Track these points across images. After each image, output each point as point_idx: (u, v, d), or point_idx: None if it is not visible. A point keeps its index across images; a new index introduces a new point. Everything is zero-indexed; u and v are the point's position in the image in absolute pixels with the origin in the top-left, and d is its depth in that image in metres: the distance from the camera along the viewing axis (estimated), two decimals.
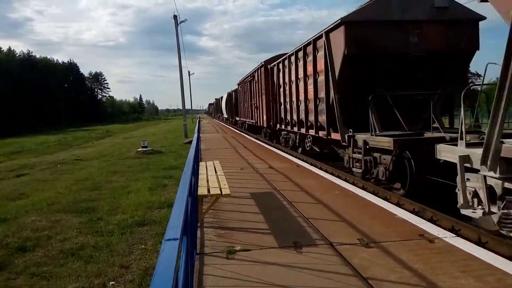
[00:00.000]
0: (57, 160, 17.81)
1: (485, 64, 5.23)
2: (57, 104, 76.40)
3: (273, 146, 15.66)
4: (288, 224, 4.93)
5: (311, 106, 11.04)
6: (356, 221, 4.87)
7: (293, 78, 12.88)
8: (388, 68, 8.86)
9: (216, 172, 6.71)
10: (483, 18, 8.99)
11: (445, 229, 4.83)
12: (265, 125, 18.59)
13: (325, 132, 10.13)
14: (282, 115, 15.13)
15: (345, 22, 8.65)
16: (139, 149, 18.02)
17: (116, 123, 79.86)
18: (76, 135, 41.97)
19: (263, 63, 18.01)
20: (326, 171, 9.56)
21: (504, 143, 4.50)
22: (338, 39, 8.89)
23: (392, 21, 8.60)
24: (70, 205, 8.14)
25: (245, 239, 4.39)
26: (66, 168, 14.89)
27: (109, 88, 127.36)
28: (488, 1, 4.72)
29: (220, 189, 5.30)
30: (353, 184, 7.90)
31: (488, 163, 4.54)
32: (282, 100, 14.99)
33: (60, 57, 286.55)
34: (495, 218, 4.55)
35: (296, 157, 12.20)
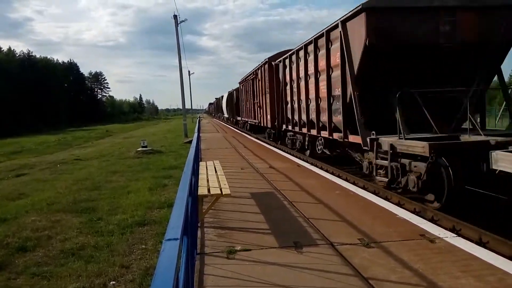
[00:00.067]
0: (57, 160, 17.81)
1: None
2: (57, 104, 76.47)
3: (276, 147, 15.05)
4: (288, 224, 4.92)
5: (324, 105, 9.93)
6: (356, 221, 4.86)
7: (302, 74, 11.67)
8: (415, 61, 7.85)
9: (216, 172, 6.70)
10: None
11: (446, 229, 4.83)
12: (269, 125, 17.45)
13: (341, 134, 8.87)
14: (289, 115, 13.90)
15: (366, 8, 7.47)
16: (139, 149, 18.03)
17: (116, 123, 79.89)
18: (76, 135, 41.97)
19: (267, 59, 16.88)
20: (326, 170, 9.55)
21: None
22: (358, 29, 7.77)
23: (419, 7, 7.53)
24: (70, 205, 8.14)
25: (245, 239, 4.39)
26: (66, 168, 14.89)
27: (109, 88, 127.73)
28: None
29: (221, 189, 5.29)
30: (353, 184, 7.90)
31: None
32: (289, 99, 13.71)
33: (60, 57, 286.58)
34: None
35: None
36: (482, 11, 7.73)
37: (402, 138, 6.86)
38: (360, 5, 7.62)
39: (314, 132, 11.08)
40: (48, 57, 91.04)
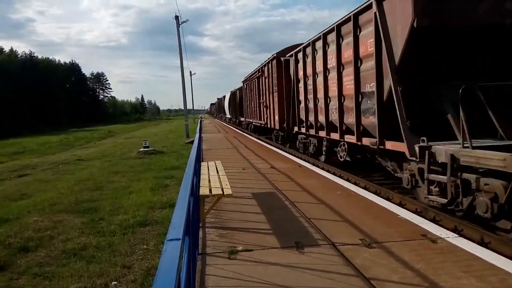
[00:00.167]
0: (59, 160, 17.85)
1: None
2: (57, 104, 76.64)
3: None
4: (290, 224, 4.92)
5: (349, 104, 8.36)
6: (358, 221, 4.86)
7: (319, 69, 10.14)
8: (473, 47, 6.45)
9: (218, 172, 6.71)
10: None
11: (447, 229, 4.82)
12: (276, 127, 15.84)
13: (374, 140, 7.24)
14: (302, 116, 12.16)
15: None
16: (141, 149, 18.06)
17: (117, 124, 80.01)
18: (78, 136, 42.04)
19: (275, 54, 15.29)
20: (328, 171, 9.55)
21: None
22: (401, 7, 6.41)
23: None
24: (72, 205, 8.16)
25: (247, 239, 4.39)
26: (68, 168, 14.91)
27: (110, 89, 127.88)
28: None
29: (222, 189, 5.29)
30: (355, 184, 7.89)
31: None
32: (302, 98, 12.00)
33: (62, 58, 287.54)
34: None
35: (298, 157, 12.18)
36: None
37: (467, 147, 5.18)
38: None
39: (335, 136, 9.34)
40: (50, 57, 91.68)
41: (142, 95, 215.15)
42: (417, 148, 5.84)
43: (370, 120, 7.54)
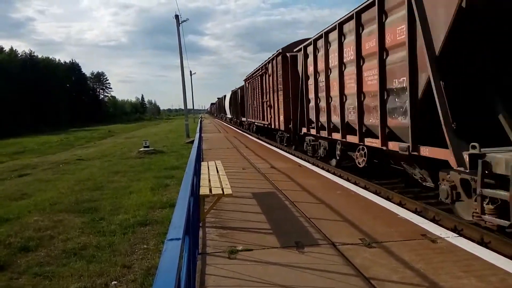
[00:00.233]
0: (59, 160, 17.86)
1: None
2: (57, 104, 76.70)
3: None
4: (290, 224, 4.92)
5: (371, 102, 7.33)
6: (358, 221, 4.87)
7: (332, 64, 9.12)
8: None
9: (218, 172, 6.72)
10: None
11: (447, 229, 4.82)
12: (282, 127, 14.80)
13: (405, 145, 6.13)
14: (312, 116, 11.11)
15: None
16: (141, 149, 18.08)
17: (118, 123, 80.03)
18: (78, 135, 42.05)
19: (280, 50, 14.30)
20: (328, 170, 9.55)
21: None
22: None
23: None
24: (72, 205, 8.17)
25: (247, 239, 4.39)
26: (68, 168, 14.92)
27: (111, 88, 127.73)
28: None
29: (222, 189, 5.30)
30: (355, 184, 7.89)
31: None
32: (311, 96, 10.96)
33: (62, 57, 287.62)
34: None
35: (298, 157, 12.17)
36: None
37: None
38: None
39: (352, 139, 8.29)
40: (50, 57, 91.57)
41: (142, 95, 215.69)
42: (466, 157, 4.74)
43: (399, 121, 6.42)
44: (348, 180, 8.53)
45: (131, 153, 18.22)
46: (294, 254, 3.93)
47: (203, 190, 5.11)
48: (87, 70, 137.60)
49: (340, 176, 8.82)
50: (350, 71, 8.15)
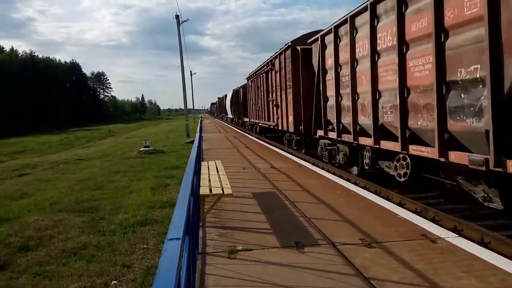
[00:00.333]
0: (59, 159, 17.87)
1: None
2: (57, 104, 76.75)
3: (300, 157, 11.74)
4: (290, 224, 4.92)
5: (420, 99, 5.90)
6: (358, 221, 4.86)
7: (361, 53, 7.69)
8: None
9: (218, 171, 6.72)
10: None
11: (447, 229, 4.82)
12: (290, 129, 13.39)
13: (480, 158, 4.69)
14: (330, 117, 9.68)
15: None
16: (141, 149, 18.09)
17: (118, 123, 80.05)
18: (78, 135, 42.06)
19: (289, 43, 12.82)
20: (328, 170, 9.54)
21: None
22: None
23: None
24: (72, 204, 8.17)
25: (247, 239, 4.39)
26: (69, 167, 14.93)
27: (111, 88, 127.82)
28: None
29: (222, 189, 5.30)
30: (355, 184, 7.89)
31: None
32: (330, 93, 9.52)
33: (63, 57, 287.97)
34: None
35: (298, 157, 12.17)
36: None
37: None
38: None
39: (390, 145, 6.80)
40: (51, 57, 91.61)
41: (142, 95, 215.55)
42: None
43: (467, 125, 4.97)
44: (348, 180, 8.52)
45: (131, 153, 18.23)
46: (294, 254, 3.92)
47: (203, 190, 5.11)
48: (87, 70, 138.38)
49: (340, 176, 8.81)
50: (387, 61, 6.71)
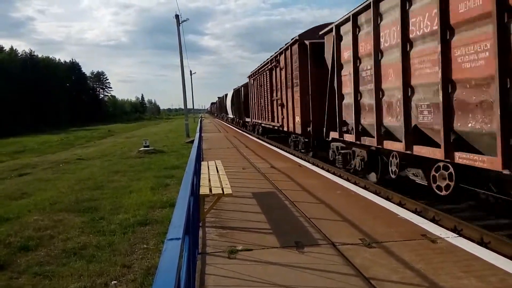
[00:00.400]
0: (59, 159, 17.86)
1: None
2: (57, 104, 76.74)
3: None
4: (290, 224, 4.92)
5: (469, 95, 4.95)
6: (358, 221, 4.86)
7: (388, 43, 6.75)
8: None
9: (218, 171, 6.72)
10: None
11: (447, 229, 4.82)
12: (297, 131, 12.47)
13: None
14: (346, 117, 8.81)
15: None
16: (141, 149, 18.09)
17: (118, 123, 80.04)
18: (78, 135, 42.06)
19: (297, 37, 11.80)
20: (328, 170, 9.54)
21: None
22: None
23: None
24: (72, 204, 8.17)
25: (247, 238, 4.39)
26: (68, 167, 14.92)
27: (111, 88, 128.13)
28: None
29: (222, 189, 5.30)
30: (355, 183, 7.88)
31: None
32: (347, 91, 8.58)
33: (62, 57, 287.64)
34: None
35: (298, 157, 12.16)
36: None
37: None
38: None
39: (428, 151, 5.77)
40: (50, 56, 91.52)
41: (142, 94, 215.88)
42: None
43: None
44: (348, 180, 8.52)
45: (131, 153, 18.22)
46: (294, 254, 3.92)
47: (203, 190, 5.11)
48: (87, 69, 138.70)
49: (340, 176, 8.81)
50: (424, 51, 5.75)
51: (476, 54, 4.80)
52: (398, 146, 6.57)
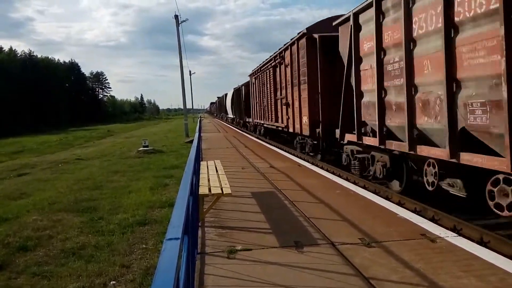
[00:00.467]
0: (58, 159, 17.84)
1: None
2: (57, 104, 76.75)
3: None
4: (289, 224, 4.92)
5: None
6: (357, 221, 4.86)
7: (425, 29, 5.64)
8: None
9: (217, 171, 6.71)
10: None
11: (447, 228, 4.82)
12: (305, 132, 11.51)
13: None
14: (365, 117, 7.80)
15: None
16: (140, 149, 18.08)
17: (117, 123, 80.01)
18: (77, 135, 42.02)
19: (304, 31, 10.89)
20: (327, 170, 9.54)
21: None
22: None
23: None
24: (71, 204, 8.15)
25: (246, 238, 4.38)
26: (67, 167, 14.91)
27: (110, 88, 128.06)
28: None
29: (221, 189, 5.29)
30: (354, 183, 7.88)
31: None
32: (367, 87, 7.62)
33: (62, 57, 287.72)
34: None
35: (298, 156, 12.16)
36: None
37: None
38: None
39: (484, 161, 4.68)
40: (50, 57, 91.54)
41: (141, 95, 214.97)
42: None
43: None
44: (347, 179, 8.52)
45: (130, 153, 18.21)
46: (293, 253, 3.92)
47: (202, 190, 5.11)
48: (86, 70, 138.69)
49: (339, 176, 8.80)
50: (476, 36, 4.71)
51: None
52: (438, 153, 5.49)
